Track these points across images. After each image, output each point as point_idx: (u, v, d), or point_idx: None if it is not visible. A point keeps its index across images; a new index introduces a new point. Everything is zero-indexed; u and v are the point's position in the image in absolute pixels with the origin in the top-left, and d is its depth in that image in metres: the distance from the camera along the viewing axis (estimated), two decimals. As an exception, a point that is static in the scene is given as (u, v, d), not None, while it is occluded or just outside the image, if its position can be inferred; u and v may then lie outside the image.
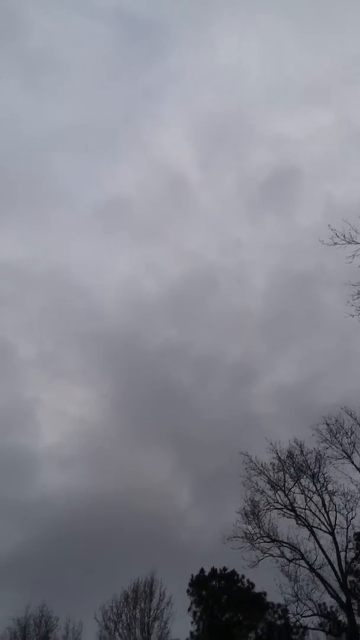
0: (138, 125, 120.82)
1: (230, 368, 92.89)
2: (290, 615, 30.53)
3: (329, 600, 27.24)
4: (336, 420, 27.78)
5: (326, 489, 27.88)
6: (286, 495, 28.18)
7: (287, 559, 27.58)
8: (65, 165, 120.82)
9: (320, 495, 27.90)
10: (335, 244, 15.75)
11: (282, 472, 28.31)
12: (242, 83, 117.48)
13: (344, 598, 26.23)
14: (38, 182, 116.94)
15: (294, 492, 28.25)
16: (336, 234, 15.71)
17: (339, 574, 26.42)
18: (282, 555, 27.64)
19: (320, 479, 28.04)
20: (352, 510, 27.31)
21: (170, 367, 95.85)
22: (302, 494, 28.15)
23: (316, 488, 28.04)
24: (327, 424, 27.83)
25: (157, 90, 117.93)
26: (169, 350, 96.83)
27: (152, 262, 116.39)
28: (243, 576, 34.65)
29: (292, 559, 27.48)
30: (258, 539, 27.78)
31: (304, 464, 28.21)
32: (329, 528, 27.35)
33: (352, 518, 27.30)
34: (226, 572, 35.29)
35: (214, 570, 35.61)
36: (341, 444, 27.57)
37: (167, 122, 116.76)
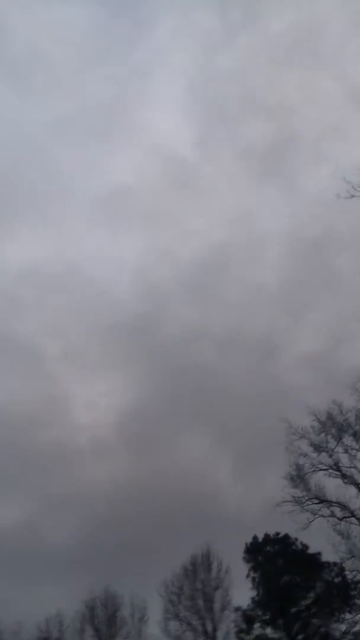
0: (130, 108, 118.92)
1: (254, 343, 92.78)
2: (347, 573, 31.21)
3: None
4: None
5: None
6: (330, 456, 28.50)
7: (337, 518, 28.07)
8: (64, 160, 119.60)
9: (364, 452, 28.12)
10: (353, 196, 15.67)
11: (323, 434, 28.57)
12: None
13: None
14: (39, 181, 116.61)
15: (337, 452, 28.54)
16: (352, 186, 15.61)
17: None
18: (333, 515, 28.14)
19: (362, 436, 28.23)
20: None
21: (193, 349, 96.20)
22: (345, 452, 28.44)
23: (359, 446, 28.28)
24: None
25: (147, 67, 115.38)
26: (191, 333, 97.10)
27: (162, 248, 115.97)
28: (296, 539, 35.20)
29: (343, 517, 27.95)
30: (307, 502, 28.29)
31: (344, 424, 28.39)
32: (376, 483, 27.64)
33: None
34: (279, 536, 35.94)
35: (267, 536, 36.31)
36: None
37: (159, 101, 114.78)
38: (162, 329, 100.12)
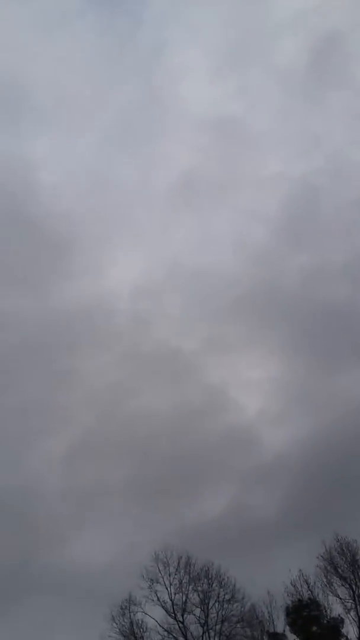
0: (160, 96, 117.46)
1: None
2: None
3: None
4: None
5: None
6: None
7: None
8: (123, 174, 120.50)
9: None
10: None
11: None
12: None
13: None
14: (112, 203, 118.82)
15: None
16: None
17: None
18: None
19: None
20: None
21: (320, 289, 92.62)
22: None
23: None
24: None
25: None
26: (311, 276, 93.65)
27: (247, 209, 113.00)
28: None
29: None
30: None
31: None
32: None
33: None
34: None
35: None
36: None
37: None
38: (282, 284, 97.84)
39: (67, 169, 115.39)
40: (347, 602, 36.32)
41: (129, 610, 37.01)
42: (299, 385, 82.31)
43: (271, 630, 37.40)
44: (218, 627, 37.18)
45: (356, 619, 35.89)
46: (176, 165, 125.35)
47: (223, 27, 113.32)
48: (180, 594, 37.77)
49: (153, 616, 37.40)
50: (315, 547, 38.62)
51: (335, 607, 36.85)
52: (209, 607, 37.53)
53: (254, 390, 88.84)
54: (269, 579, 40.57)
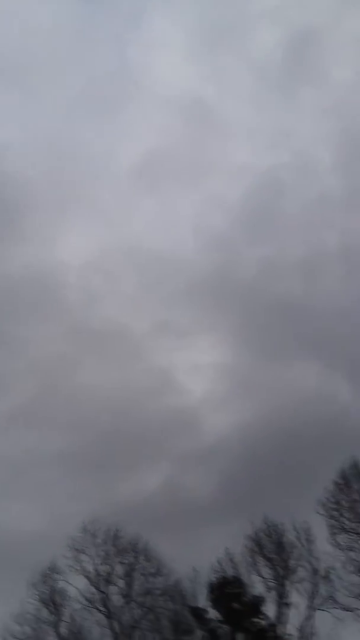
0: (131, 73, 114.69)
1: (334, 255, 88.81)
2: None
3: None
4: None
5: None
6: None
7: None
8: (86, 145, 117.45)
9: None
10: None
11: None
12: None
13: None
14: (72, 173, 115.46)
15: None
16: None
17: None
18: None
19: None
20: None
21: (274, 282, 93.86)
22: None
23: None
24: None
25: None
26: (266, 268, 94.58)
27: (210, 195, 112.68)
28: None
29: None
30: None
31: None
32: None
33: None
34: None
35: None
36: None
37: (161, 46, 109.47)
38: (237, 273, 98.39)
39: (27, 130, 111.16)
40: (270, 581, 37.11)
41: (51, 578, 36.63)
42: (244, 374, 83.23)
43: (193, 604, 37.86)
44: (140, 599, 37.34)
45: (277, 598, 36.72)
46: (143, 143, 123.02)
47: (204, 7, 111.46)
48: (106, 565, 37.64)
49: (76, 585, 37.16)
50: (245, 529, 39.18)
51: (257, 586, 37.62)
52: (133, 580, 37.61)
53: (201, 375, 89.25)
54: (196, 557, 41.04)
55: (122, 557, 37.76)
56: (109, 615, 36.56)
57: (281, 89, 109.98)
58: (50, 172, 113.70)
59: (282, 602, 36.38)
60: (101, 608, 36.76)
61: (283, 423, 64.66)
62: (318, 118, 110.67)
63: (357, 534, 34.76)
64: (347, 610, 33.94)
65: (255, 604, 37.72)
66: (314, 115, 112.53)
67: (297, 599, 36.24)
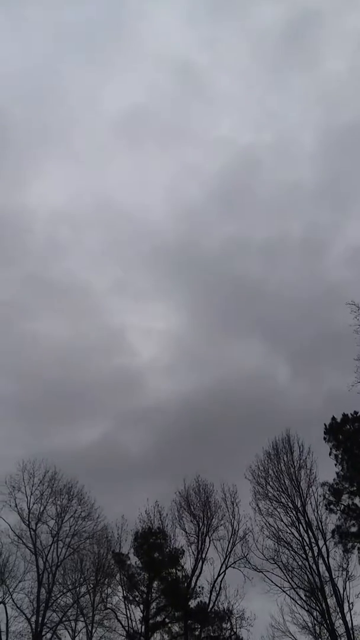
0: (129, 23, 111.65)
1: (297, 245, 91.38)
2: None
3: None
4: None
5: None
6: None
7: None
8: (71, 88, 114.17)
9: None
10: None
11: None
12: None
13: None
14: (51, 115, 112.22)
15: None
16: None
17: None
18: None
19: None
20: None
21: (236, 261, 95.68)
22: None
23: None
24: None
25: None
26: (231, 246, 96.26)
27: (188, 163, 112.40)
28: (375, 414, 36.47)
29: None
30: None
31: None
32: None
33: None
34: (357, 414, 37.30)
35: (345, 416, 37.71)
36: None
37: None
38: (202, 246, 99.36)
39: (8, 63, 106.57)
40: (192, 536, 39.52)
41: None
42: (194, 344, 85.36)
43: (117, 550, 39.91)
44: (68, 540, 39.01)
45: (195, 552, 39.23)
46: (129, 96, 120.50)
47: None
48: (39, 504, 38.98)
49: (7, 521, 38.34)
50: (177, 486, 41.30)
51: (180, 540, 39.98)
52: (63, 521, 39.16)
53: (151, 339, 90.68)
54: (127, 509, 43.04)
55: (56, 498, 39.18)
56: (35, 552, 38.03)
57: (274, 70, 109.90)
58: (29, 111, 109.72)
59: (200, 557, 38.93)
60: (29, 545, 38.19)
61: (223, 395, 67.45)
62: (305, 105, 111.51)
63: (278, 501, 37.45)
64: (257, 571, 36.66)
65: (175, 556, 40.18)
66: (302, 101, 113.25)
67: (214, 555, 38.92)
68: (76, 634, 38.13)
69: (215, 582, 38.30)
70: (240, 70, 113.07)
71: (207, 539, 39.14)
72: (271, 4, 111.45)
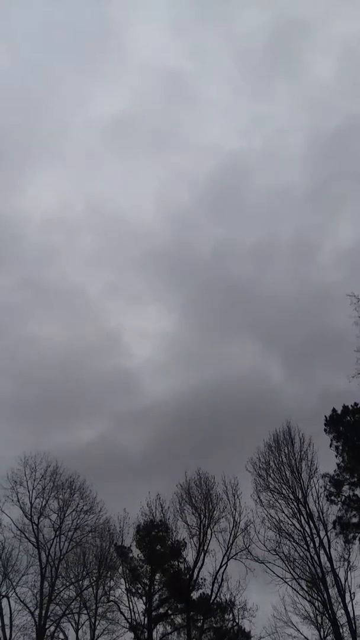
0: (116, 31, 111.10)
1: (287, 247, 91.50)
2: None
3: None
4: None
5: None
6: None
7: None
8: (62, 95, 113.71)
9: None
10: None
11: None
12: None
13: None
14: (43, 122, 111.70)
15: None
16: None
17: None
18: None
19: None
20: None
21: (228, 263, 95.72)
22: None
23: None
24: None
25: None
26: (223, 249, 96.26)
27: (177, 168, 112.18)
28: (375, 406, 36.56)
29: None
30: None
31: None
32: None
33: None
34: (358, 406, 37.38)
35: (345, 407, 37.79)
36: None
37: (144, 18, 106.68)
38: (194, 249, 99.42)
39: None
40: (193, 529, 39.67)
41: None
42: (189, 345, 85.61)
43: (119, 543, 40.06)
44: (70, 533, 39.15)
45: (197, 545, 39.38)
46: (117, 104, 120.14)
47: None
48: (41, 498, 39.08)
49: (10, 515, 38.45)
50: (178, 479, 41.38)
51: (181, 532, 40.14)
52: (66, 515, 39.29)
53: (146, 341, 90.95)
54: (129, 501, 43.09)
55: (58, 492, 39.27)
56: (38, 545, 38.16)
57: (260, 76, 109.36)
58: (20, 119, 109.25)
59: (201, 549, 39.11)
60: (31, 539, 38.30)
61: (218, 395, 67.71)
62: (293, 112, 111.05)
63: (279, 493, 37.59)
64: (259, 562, 36.79)
65: (177, 548, 40.36)
66: (288, 106, 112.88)
67: (216, 547, 39.10)
68: (79, 627, 38.31)
69: (217, 573, 38.48)
70: (226, 77, 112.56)
71: (209, 531, 39.31)
72: (257, 11, 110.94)
